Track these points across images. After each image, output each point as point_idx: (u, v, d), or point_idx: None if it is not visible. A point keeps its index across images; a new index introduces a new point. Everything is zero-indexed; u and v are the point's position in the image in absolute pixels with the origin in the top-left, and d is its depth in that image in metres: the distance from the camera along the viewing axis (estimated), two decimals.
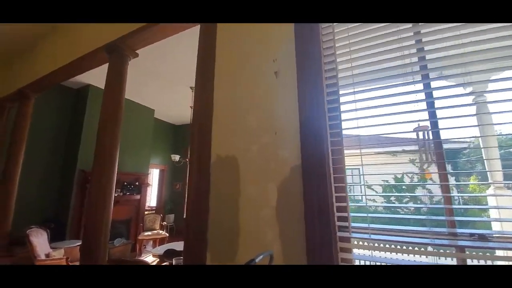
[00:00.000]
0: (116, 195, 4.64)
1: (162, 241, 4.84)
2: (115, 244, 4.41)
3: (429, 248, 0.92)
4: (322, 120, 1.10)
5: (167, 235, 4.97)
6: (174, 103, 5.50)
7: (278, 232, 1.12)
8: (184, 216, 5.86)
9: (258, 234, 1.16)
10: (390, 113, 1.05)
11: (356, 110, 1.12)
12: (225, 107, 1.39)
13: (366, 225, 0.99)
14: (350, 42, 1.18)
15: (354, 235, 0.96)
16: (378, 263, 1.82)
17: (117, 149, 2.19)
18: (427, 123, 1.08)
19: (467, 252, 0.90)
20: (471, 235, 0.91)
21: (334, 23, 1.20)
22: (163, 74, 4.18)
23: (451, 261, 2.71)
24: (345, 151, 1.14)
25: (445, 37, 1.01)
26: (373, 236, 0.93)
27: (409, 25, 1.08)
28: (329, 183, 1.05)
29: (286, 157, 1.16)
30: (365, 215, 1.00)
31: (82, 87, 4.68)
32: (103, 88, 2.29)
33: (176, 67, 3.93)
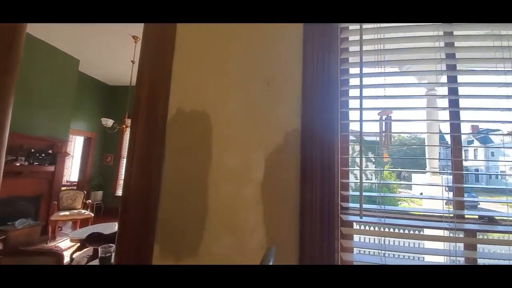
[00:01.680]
0: (18, 164, 3.53)
1: (85, 222, 4.03)
2: (16, 227, 3.43)
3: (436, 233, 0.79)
4: (333, 69, 0.83)
5: (92, 215, 4.16)
6: (108, 55, 4.40)
7: (262, 216, 0.84)
8: (120, 194, 5.07)
9: (235, 219, 0.86)
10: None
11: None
12: (192, 41, 0.97)
13: (376, 206, 0.80)
14: None
15: (365, 219, 0.76)
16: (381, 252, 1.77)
17: (8, 99, 1.45)
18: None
19: (480, 237, 0.81)
20: (480, 217, 0.82)
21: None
22: None
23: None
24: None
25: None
26: (387, 220, 0.75)
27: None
28: (336, 155, 0.81)
29: (281, 118, 0.86)
30: (376, 194, 0.81)
31: None
32: None
33: None
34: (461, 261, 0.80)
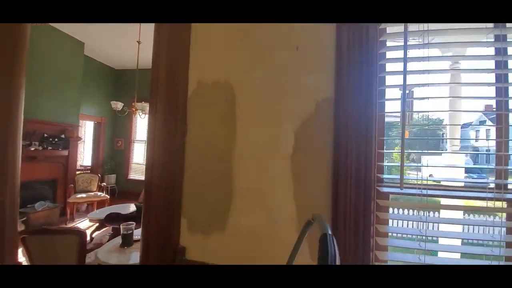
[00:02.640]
0: (33, 149, 3.60)
1: (101, 204, 4.15)
2: (36, 209, 3.56)
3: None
4: (372, 43, 0.75)
5: (108, 197, 4.27)
6: (113, 37, 4.29)
7: (292, 190, 0.81)
8: (133, 177, 5.16)
9: (263, 193, 0.83)
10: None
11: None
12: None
13: (417, 177, 0.75)
14: None
15: (406, 190, 0.72)
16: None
17: (21, 82, 1.41)
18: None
19: None
20: None
21: None
22: None
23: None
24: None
25: None
26: (429, 192, 0.71)
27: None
28: (375, 123, 0.75)
29: (311, 86, 0.80)
30: (417, 165, 0.77)
31: None
32: None
33: None
34: (503, 232, 0.76)
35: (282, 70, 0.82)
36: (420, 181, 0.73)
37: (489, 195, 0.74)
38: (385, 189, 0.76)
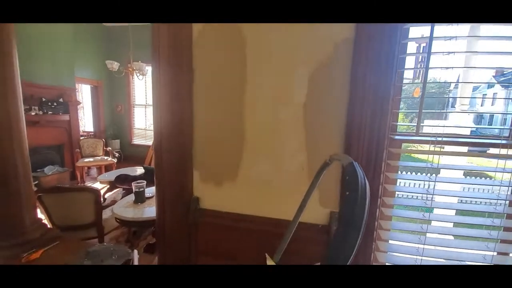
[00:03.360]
0: (33, 113, 3.56)
1: (108, 167, 4.26)
2: (46, 173, 3.67)
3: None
4: None
5: (115, 161, 4.37)
6: None
7: (304, 139, 0.80)
8: (136, 142, 5.17)
9: (274, 143, 0.83)
10: None
11: None
12: None
13: (434, 123, 0.74)
14: None
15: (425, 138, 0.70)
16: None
17: (12, 44, 1.29)
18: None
19: None
20: None
21: None
22: None
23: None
24: None
25: None
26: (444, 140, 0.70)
27: None
28: (395, 69, 0.70)
29: (330, 25, 0.73)
30: (435, 111, 0.74)
31: None
32: None
33: None
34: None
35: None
36: (436, 127, 0.71)
37: (503, 141, 0.73)
38: (398, 137, 0.74)
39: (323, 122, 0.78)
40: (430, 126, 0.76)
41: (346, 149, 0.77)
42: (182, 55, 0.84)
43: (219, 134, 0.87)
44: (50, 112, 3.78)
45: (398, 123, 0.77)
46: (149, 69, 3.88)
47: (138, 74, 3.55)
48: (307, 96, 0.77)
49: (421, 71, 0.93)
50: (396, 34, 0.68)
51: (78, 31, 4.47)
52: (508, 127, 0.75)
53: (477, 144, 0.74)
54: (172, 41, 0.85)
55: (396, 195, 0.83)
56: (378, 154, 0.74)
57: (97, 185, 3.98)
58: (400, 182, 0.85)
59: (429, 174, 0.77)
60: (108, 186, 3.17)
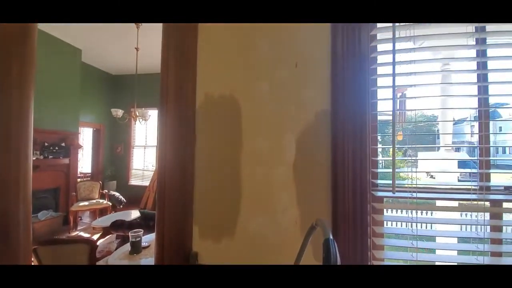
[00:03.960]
0: (34, 158, 3.62)
1: (103, 211, 4.18)
2: (39, 218, 3.59)
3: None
4: (364, 55, 0.83)
5: (110, 204, 4.31)
6: (110, 43, 4.33)
7: (295, 195, 0.88)
8: (134, 183, 5.17)
9: (267, 199, 0.90)
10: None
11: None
12: (219, 28, 0.96)
13: (405, 182, 0.83)
14: None
15: (397, 194, 0.79)
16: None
17: (31, 94, 1.46)
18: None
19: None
20: (506, 188, 0.85)
21: None
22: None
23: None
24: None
25: None
26: (419, 195, 0.78)
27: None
28: (368, 133, 0.82)
29: (311, 99, 0.87)
30: (408, 171, 0.84)
31: None
32: None
33: None
34: (487, 229, 0.83)
35: (283, 85, 0.89)
36: (411, 184, 0.80)
37: (473, 196, 0.82)
38: (379, 193, 0.83)
39: (312, 179, 0.87)
40: (407, 175, 0.85)
41: (333, 204, 0.84)
42: (187, 121, 0.96)
43: (218, 192, 0.94)
44: (51, 156, 3.85)
45: (378, 181, 0.86)
46: (151, 114, 4.09)
47: (140, 120, 3.74)
48: (295, 157, 0.88)
49: (399, 113, 1.05)
50: (366, 107, 0.82)
51: (85, 78, 4.79)
52: (476, 184, 0.84)
53: (451, 199, 0.82)
54: (179, 107, 0.98)
55: (384, 246, 0.88)
56: (363, 209, 0.82)
57: (90, 231, 3.86)
58: (387, 223, 0.91)
59: (413, 213, 0.83)
60: (102, 233, 3.10)
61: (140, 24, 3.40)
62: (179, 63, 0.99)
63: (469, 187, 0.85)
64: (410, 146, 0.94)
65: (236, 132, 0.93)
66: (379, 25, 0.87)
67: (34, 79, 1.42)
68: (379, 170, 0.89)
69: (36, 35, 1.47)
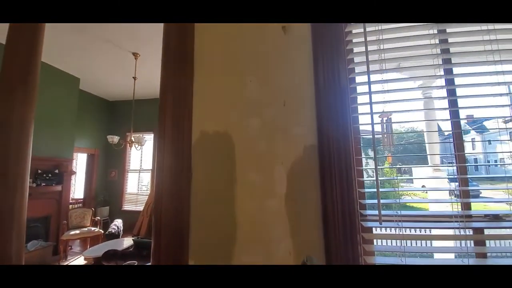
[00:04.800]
0: None
1: (95, 239, 4.05)
2: (29, 249, 3.45)
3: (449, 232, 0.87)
4: (344, 89, 0.92)
5: (102, 232, 4.18)
6: (108, 73, 4.48)
7: (288, 227, 0.91)
8: (127, 208, 5.06)
9: (261, 231, 0.93)
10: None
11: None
12: (213, 69, 1.05)
13: (393, 212, 0.88)
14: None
15: (384, 224, 0.83)
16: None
17: (31, 125, 1.51)
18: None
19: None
20: (486, 215, 0.90)
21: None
22: (92, 31, 3.26)
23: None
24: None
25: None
26: (404, 224, 0.83)
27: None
28: (353, 166, 0.89)
29: (299, 135, 0.94)
30: (393, 201, 0.89)
31: None
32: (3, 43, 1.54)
33: (114, 27, 3.12)
34: (473, 255, 0.87)
35: (273, 122, 0.96)
36: (395, 215, 0.85)
37: (455, 224, 0.87)
38: (369, 224, 0.87)
39: (303, 211, 0.91)
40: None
41: (325, 233, 0.88)
42: (183, 157, 1.01)
43: (214, 225, 0.97)
44: (44, 184, 3.80)
45: (366, 211, 0.91)
46: (147, 139, 4.13)
47: (136, 146, 3.78)
48: (287, 190, 0.92)
49: (389, 136, 1.12)
50: (349, 141, 0.89)
51: (81, 105, 4.86)
52: (458, 213, 0.89)
53: (435, 227, 0.87)
54: (176, 144, 1.03)
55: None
56: (353, 239, 0.85)
57: (81, 261, 3.71)
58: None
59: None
60: (93, 263, 2.98)
61: (138, 54, 3.56)
62: (177, 102, 1.06)
63: (451, 215, 0.90)
64: (394, 177, 1.00)
65: (231, 167, 0.98)
66: (355, 59, 0.97)
67: (34, 115, 1.47)
68: (367, 201, 0.94)
69: (38, 73, 1.55)
